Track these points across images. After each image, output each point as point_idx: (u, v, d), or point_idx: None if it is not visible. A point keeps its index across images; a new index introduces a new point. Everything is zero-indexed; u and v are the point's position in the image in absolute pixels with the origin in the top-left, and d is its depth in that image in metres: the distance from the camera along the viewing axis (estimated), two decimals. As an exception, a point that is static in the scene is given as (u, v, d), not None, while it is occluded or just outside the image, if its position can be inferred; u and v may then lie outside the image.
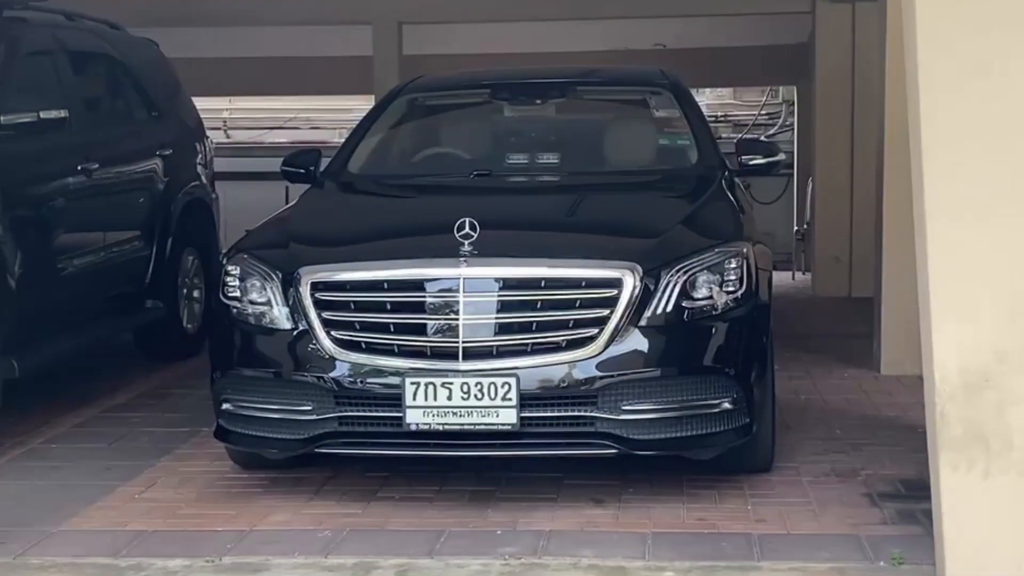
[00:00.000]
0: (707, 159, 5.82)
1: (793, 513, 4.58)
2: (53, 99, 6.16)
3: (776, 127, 16.69)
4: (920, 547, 4.15)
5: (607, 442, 4.47)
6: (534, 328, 4.47)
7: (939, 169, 3.57)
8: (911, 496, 4.72)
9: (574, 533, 4.38)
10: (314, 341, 4.58)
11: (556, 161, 6.08)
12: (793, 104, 15.30)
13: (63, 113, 6.10)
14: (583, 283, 4.51)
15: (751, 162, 5.85)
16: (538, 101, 6.41)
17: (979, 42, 3.55)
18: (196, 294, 8.07)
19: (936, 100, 3.54)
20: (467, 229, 4.54)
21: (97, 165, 6.69)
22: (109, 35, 7.66)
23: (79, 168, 6.52)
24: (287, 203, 16.33)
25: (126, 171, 7.20)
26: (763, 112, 17.08)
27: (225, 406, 4.76)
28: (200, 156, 8.40)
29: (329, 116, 16.62)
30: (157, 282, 7.47)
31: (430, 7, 11.66)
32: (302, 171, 6.06)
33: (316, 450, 4.63)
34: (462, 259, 4.50)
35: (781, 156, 6.01)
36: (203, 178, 8.38)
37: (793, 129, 15.29)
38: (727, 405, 4.56)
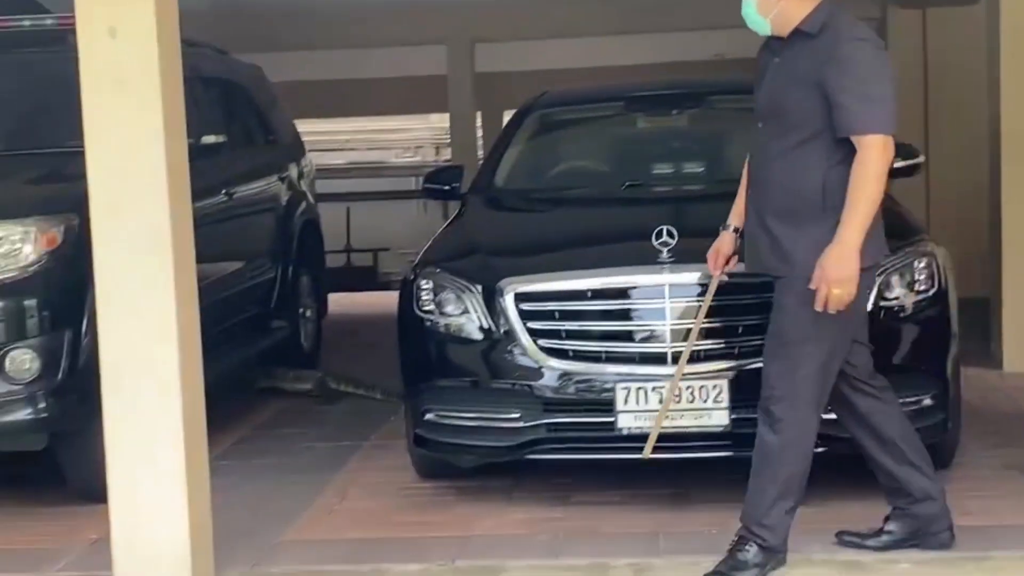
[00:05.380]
0: (852, 163, 5.91)
1: (996, 506, 4.67)
2: (214, 125, 6.28)
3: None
4: None
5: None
6: (739, 332, 4.57)
7: None
8: (1101, 486, 4.82)
9: (791, 530, 4.45)
10: (521, 350, 4.68)
11: (702, 170, 6.19)
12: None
13: (222, 138, 6.22)
14: (786, 285, 4.59)
15: (893, 165, 5.89)
16: (674, 112, 6.51)
17: None
18: (308, 314, 8.20)
19: None
20: (665, 236, 4.66)
21: (238, 190, 6.82)
22: (225, 60, 7.78)
23: (224, 192, 6.65)
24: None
25: (259, 195, 7.33)
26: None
27: (428, 416, 4.85)
28: (305, 176, 8.52)
29: (385, 136, 16.77)
30: (281, 303, 7.59)
31: (502, 26, 11.80)
32: (445, 188, 6.17)
33: (526, 456, 4.72)
34: (665, 265, 4.61)
35: (921, 158, 6.08)
36: (310, 197, 8.49)
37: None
38: (928, 402, 4.66)
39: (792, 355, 3.92)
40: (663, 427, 4.44)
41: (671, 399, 4.39)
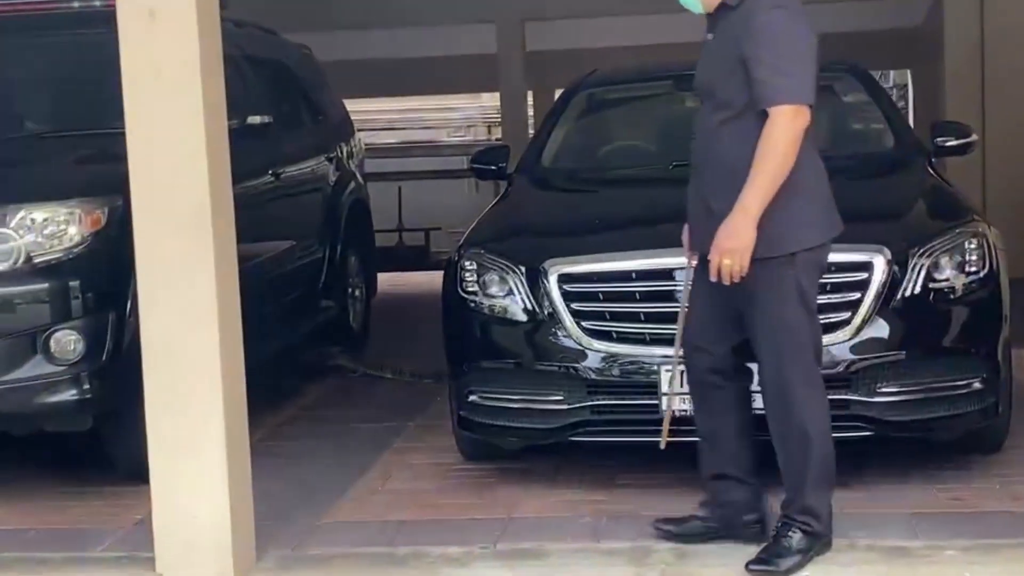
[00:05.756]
0: (904, 142, 5.83)
1: (1047, 491, 4.59)
2: (261, 105, 6.29)
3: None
4: None
5: (861, 424, 4.49)
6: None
7: None
8: None
9: (835, 516, 4.39)
10: (564, 332, 4.65)
11: (751, 149, 6.09)
12: (906, 87, 15.21)
13: (269, 118, 6.23)
14: (833, 267, 4.49)
15: (945, 143, 5.81)
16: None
17: None
18: (357, 293, 8.21)
19: None
20: (710, 217, 4.58)
21: (285, 170, 6.83)
22: (272, 40, 7.78)
23: (271, 172, 6.65)
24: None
25: (307, 175, 7.34)
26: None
27: (472, 397, 4.84)
28: (354, 156, 8.51)
29: (436, 115, 16.77)
30: (330, 283, 7.61)
31: (551, 4, 11.75)
32: (492, 167, 6.15)
33: (570, 439, 4.70)
34: (709, 247, 4.54)
35: (974, 137, 5.97)
36: (359, 177, 8.49)
37: (908, 111, 15.22)
38: (977, 385, 4.58)
39: (786, 339, 3.86)
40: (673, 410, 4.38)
41: (676, 386, 4.32)
